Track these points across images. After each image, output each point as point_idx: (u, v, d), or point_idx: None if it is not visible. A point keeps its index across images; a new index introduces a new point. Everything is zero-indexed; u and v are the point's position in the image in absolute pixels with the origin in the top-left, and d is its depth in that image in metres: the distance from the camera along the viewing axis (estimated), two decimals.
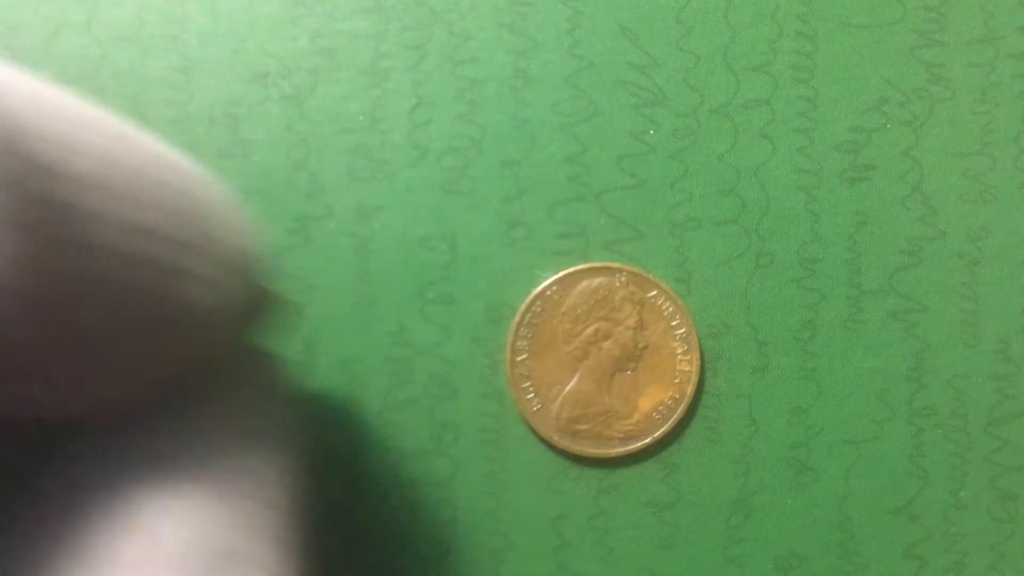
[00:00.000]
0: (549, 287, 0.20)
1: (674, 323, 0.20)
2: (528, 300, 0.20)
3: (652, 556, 0.20)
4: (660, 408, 0.20)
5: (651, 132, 0.20)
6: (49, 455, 0.13)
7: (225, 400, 0.14)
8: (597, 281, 0.20)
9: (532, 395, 0.20)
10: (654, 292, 0.20)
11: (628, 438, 0.20)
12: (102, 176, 0.11)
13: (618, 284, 0.20)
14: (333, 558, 0.20)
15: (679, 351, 0.20)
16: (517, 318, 0.20)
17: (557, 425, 0.20)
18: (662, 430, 0.20)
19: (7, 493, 0.12)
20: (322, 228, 0.20)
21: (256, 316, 0.14)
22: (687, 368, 0.20)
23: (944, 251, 0.20)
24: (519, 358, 0.20)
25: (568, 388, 0.20)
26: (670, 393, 0.20)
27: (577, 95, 0.20)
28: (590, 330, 0.20)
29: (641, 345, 0.20)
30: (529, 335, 0.20)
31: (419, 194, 0.20)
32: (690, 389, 0.20)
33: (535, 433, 0.20)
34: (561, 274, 0.20)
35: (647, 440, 0.20)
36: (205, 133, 0.20)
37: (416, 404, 0.20)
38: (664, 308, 0.20)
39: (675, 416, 0.20)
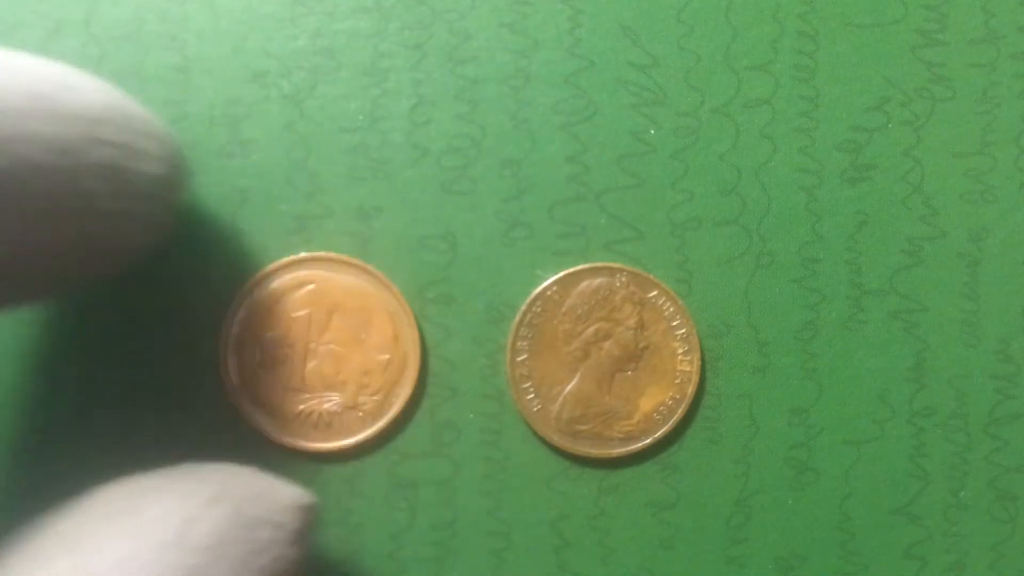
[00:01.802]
0: (549, 287, 0.20)
1: (675, 323, 0.20)
2: (528, 300, 0.20)
3: (652, 556, 0.20)
4: (660, 408, 0.20)
5: (652, 132, 0.20)
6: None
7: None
8: (597, 281, 0.20)
9: (532, 395, 0.20)
10: (654, 292, 0.20)
11: (628, 438, 0.20)
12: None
13: (618, 284, 0.20)
14: (332, 558, 0.20)
15: (680, 351, 0.20)
16: (517, 318, 0.20)
17: (557, 425, 0.20)
18: (662, 430, 0.20)
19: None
20: (322, 228, 0.20)
21: (182, 184, 0.18)
22: (688, 368, 0.20)
23: (945, 251, 0.20)
24: (519, 358, 0.20)
25: (568, 388, 0.20)
26: (671, 393, 0.20)
27: (577, 95, 0.20)
28: (590, 330, 0.20)
29: (641, 345, 0.20)
30: (529, 335, 0.20)
31: (419, 194, 0.20)
32: (691, 389, 0.20)
33: (535, 433, 0.20)
34: (561, 274, 0.20)
35: (647, 440, 0.20)
36: (205, 133, 0.20)
37: (416, 404, 0.20)
38: (664, 308, 0.20)
39: (676, 416, 0.20)
